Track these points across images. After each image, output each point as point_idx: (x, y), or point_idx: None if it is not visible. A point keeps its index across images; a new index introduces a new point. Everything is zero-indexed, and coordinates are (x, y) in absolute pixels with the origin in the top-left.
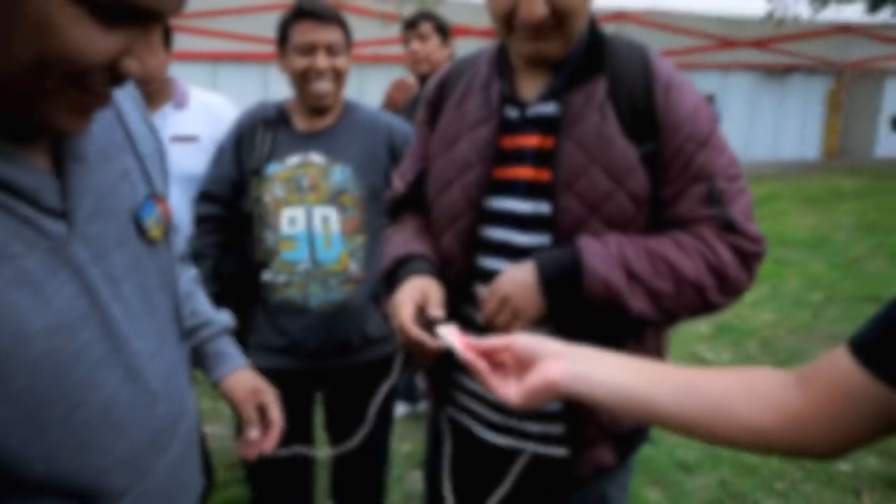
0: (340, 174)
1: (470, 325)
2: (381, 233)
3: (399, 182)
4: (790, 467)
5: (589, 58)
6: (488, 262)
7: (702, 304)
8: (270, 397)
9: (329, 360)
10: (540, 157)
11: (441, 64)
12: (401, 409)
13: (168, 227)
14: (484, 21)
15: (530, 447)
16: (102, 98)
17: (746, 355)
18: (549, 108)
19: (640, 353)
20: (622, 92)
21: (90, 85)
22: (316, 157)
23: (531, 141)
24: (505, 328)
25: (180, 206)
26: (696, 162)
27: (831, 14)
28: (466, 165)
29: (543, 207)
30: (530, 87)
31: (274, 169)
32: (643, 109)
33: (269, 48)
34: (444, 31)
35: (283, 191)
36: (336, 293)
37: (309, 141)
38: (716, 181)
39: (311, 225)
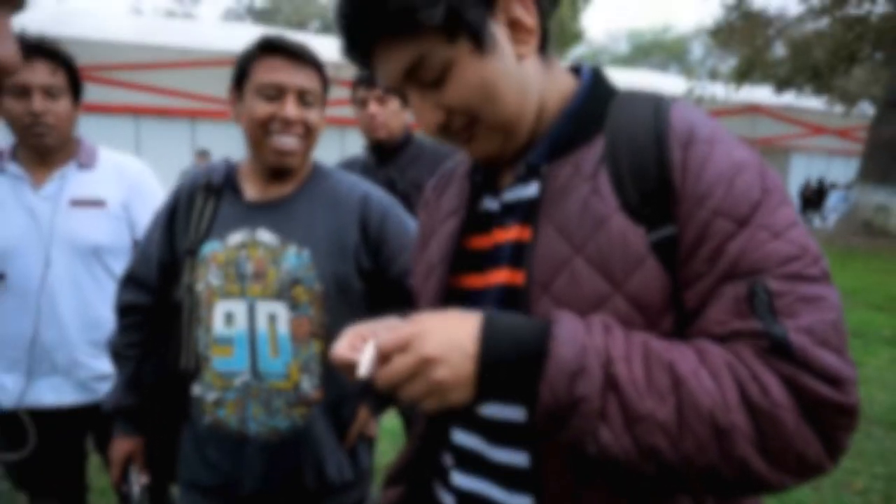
0: (295, 259)
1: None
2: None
3: None
4: None
5: (580, 120)
6: (457, 428)
7: (727, 464)
8: None
9: None
10: (517, 255)
11: (398, 131)
12: None
13: None
14: None
15: None
16: None
17: None
18: (530, 190)
19: None
20: (623, 153)
21: None
22: (265, 236)
23: (509, 235)
24: (411, 398)
25: (81, 282)
26: (731, 248)
27: (743, 94)
28: (430, 270)
29: None
30: (511, 169)
31: (211, 248)
32: (653, 174)
33: (199, 104)
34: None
35: (219, 277)
36: (282, 419)
37: (258, 213)
38: (764, 278)
39: (253, 325)
